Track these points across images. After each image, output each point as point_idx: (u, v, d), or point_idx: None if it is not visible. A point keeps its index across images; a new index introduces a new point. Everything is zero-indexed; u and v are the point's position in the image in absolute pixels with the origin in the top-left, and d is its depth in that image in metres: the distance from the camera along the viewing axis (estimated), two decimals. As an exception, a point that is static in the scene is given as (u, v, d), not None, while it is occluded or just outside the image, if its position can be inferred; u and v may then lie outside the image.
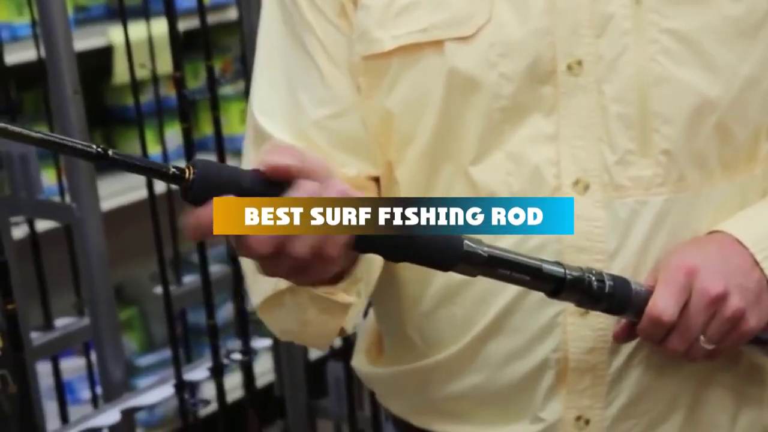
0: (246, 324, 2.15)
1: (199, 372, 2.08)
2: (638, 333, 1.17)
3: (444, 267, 1.08)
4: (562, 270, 1.12)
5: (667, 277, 1.15)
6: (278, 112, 1.25)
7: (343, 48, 1.23)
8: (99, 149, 0.93)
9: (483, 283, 1.13)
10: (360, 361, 1.41)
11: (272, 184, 0.99)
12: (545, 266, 1.11)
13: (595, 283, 1.12)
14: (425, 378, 1.29)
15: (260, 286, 1.20)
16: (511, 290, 1.20)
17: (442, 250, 1.06)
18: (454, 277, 1.13)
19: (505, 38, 1.17)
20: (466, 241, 1.07)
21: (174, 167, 0.96)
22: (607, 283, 1.13)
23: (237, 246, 1.00)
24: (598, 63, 1.17)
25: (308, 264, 1.02)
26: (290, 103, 1.25)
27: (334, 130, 1.24)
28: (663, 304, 1.14)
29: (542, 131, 1.18)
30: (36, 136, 0.91)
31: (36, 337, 2.13)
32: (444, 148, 1.21)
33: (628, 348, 1.21)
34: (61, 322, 2.21)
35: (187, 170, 0.96)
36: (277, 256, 1.00)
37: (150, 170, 0.97)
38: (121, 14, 2.05)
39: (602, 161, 1.18)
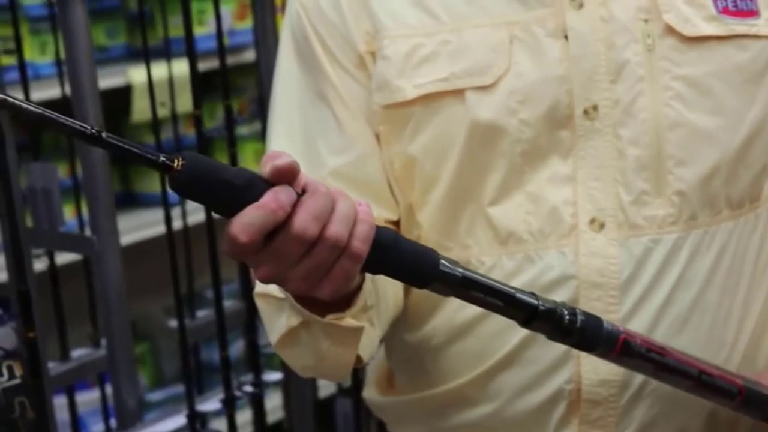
0: (257, 357, 2.17)
1: (211, 403, 2.10)
2: None
3: (419, 284, 1.09)
4: (536, 300, 1.11)
5: None
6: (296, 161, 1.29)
7: (361, 97, 1.27)
8: (93, 130, 0.95)
9: (499, 317, 1.14)
10: (371, 392, 1.43)
11: (260, 184, 0.99)
12: (518, 294, 1.11)
13: (567, 316, 1.12)
14: (436, 406, 1.32)
15: (276, 325, 1.22)
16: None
17: (419, 267, 1.08)
18: (469, 311, 1.17)
19: (523, 86, 1.22)
20: (442, 261, 1.08)
21: (164, 156, 0.98)
22: (579, 318, 1.13)
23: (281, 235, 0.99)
24: (614, 108, 1.22)
25: (334, 260, 1.01)
26: (308, 152, 1.28)
27: (352, 177, 1.27)
28: None
29: (560, 173, 1.23)
30: (35, 111, 0.93)
31: (52, 367, 2.15)
32: (466, 191, 1.26)
33: (639, 380, 1.24)
34: (77, 353, 2.24)
35: (176, 160, 0.97)
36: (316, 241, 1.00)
37: (139, 155, 0.98)
38: (145, 55, 2.10)
39: (618, 201, 1.22)
